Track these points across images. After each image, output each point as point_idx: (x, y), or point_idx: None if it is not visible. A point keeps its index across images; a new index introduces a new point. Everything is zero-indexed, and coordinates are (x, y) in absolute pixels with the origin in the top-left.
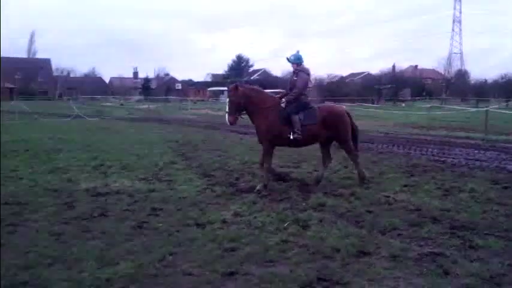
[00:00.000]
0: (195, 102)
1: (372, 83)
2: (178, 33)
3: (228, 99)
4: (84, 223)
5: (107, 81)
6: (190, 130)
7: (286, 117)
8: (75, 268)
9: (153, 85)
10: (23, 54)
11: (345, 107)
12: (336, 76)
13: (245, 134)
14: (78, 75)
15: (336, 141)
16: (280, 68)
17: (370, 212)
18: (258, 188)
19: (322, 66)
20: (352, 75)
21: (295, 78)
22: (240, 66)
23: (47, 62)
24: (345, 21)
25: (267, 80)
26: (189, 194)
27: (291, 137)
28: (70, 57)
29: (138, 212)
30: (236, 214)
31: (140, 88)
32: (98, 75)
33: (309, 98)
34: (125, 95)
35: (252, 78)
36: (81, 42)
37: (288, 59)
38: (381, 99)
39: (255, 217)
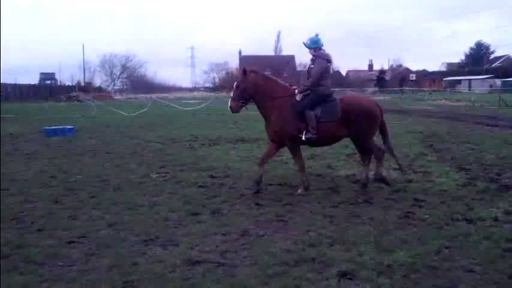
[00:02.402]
0: (430, 93)
1: None
2: (416, 23)
3: (234, 84)
4: (352, 208)
5: (344, 73)
6: (431, 121)
7: (299, 113)
8: (353, 251)
9: (387, 76)
10: (271, 52)
11: (374, 98)
12: None
13: (494, 126)
14: None
15: (352, 139)
16: None
17: None
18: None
19: None
20: None
21: (312, 65)
22: (479, 53)
23: (291, 58)
24: None
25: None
26: (449, 187)
27: (303, 138)
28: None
29: (401, 202)
30: (507, 212)
31: (375, 80)
32: (335, 69)
33: (331, 89)
34: (361, 87)
35: (493, 65)
36: (322, 38)
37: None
38: None
39: None
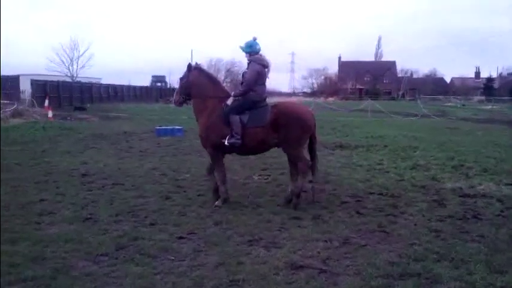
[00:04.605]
0: None
1: None
2: None
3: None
4: (459, 223)
5: (448, 81)
6: None
7: (225, 117)
8: (462, 268)
9: (496, 85)
10: (371, 58)
11: (310, 108)
12: None
13: None
14: (420, 75)
15: (281, 147)
16: None
17: None
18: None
19: None
20: None
21: (246, 70)
22: None
23: (392, 64)
24: None
25: None
26: None
27: (226, 143)
28: (413, 58)
29: None
30: None
31: (482, 88)
32: (439, 76)
33: (265, 95)
34: (466, 95)
35: None
36: (424, 44)
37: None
38: None
39: None
